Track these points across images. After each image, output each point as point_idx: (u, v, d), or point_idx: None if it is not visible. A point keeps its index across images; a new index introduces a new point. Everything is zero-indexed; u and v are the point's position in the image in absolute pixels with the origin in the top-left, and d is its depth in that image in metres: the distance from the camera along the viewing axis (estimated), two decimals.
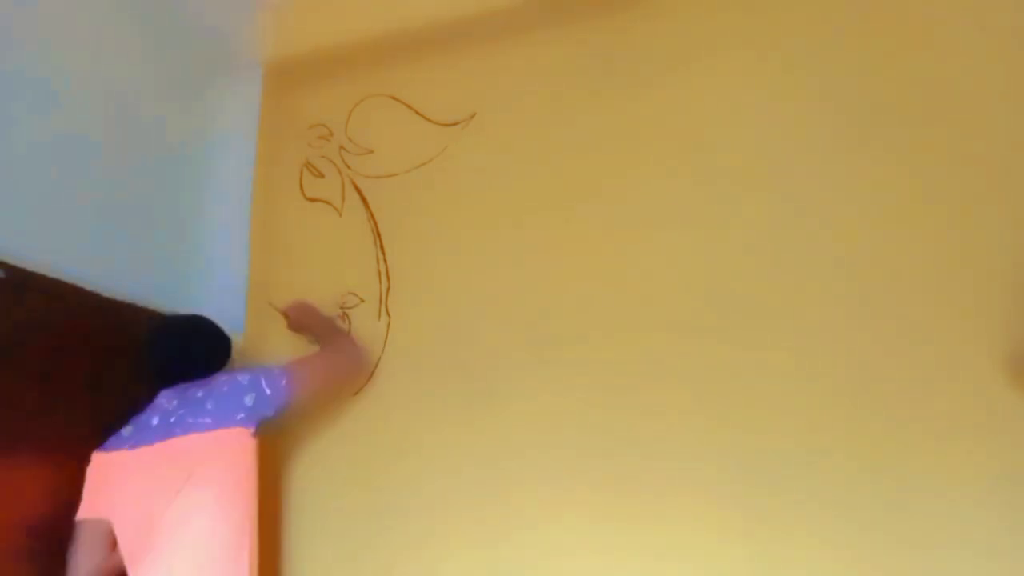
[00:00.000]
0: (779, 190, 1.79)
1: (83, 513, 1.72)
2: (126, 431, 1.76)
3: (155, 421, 1.73)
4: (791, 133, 1.81)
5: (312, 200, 2.26)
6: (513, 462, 1.85)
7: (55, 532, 1.74)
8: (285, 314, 2.09)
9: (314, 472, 2.00)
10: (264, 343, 2.16)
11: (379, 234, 2.15)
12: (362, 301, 2.12)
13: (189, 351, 1.85)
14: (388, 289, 2.10)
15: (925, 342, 1.62)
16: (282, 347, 2.15)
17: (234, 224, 2.28)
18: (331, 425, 2.02)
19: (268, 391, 1.72)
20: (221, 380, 1.77)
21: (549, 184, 2.00)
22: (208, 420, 1.67)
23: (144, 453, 1.69)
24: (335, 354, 1.94)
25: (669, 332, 1.80)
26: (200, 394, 1.74)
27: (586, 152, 1.98)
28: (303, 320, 2.07)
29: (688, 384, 1.75)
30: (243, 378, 1.75)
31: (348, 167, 2.24)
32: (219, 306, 2.17)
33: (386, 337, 2.06)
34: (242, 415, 1.68)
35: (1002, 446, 1.52)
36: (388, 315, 2.08)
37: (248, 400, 1.70)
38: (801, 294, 1.72)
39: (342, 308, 2.14)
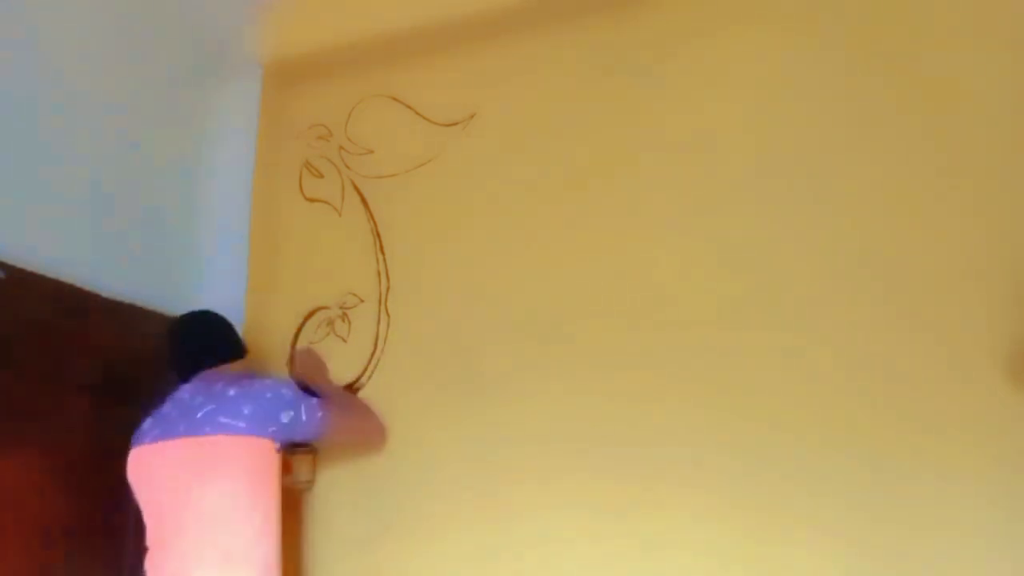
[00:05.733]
0: (782, 186, 1.79)
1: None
2: (146, 425, 1.76)
3: (175, 415, 1.73)
4: (795, 129, 1.81)
5: (312, 200, 2.26)
6: (512, 460, 1.86)
7: (55, 531, 1.74)
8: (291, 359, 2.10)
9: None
10: (263, 343, 2.16)
11: (379, 234, 2.15)
12: (362, 301, 2.12)
13: (202, 342, 1.87)
14: (388, 289, 2.10)
15: (925, 338, 1.62)
16: (280, 348, 2.16)
17: (234, 224, 2.28)
18: None
19: (304, 417, 1.73)
20: (262, 385, 1.75)
21: (549, 184, 2.00)
22: (242, 424, 1.66)
23: (168, 447, 1.69)
24: (368, 413, 1.95)
25: (669, 328, 1.80)
26: (232, 393, 1.71)
27: (586, 151, 1.98)
28: (308, 372, 2.04)
29: (688, 377, 1.76)
30: (286, 392, 1.75)
31: (348, 167, 2.24)
32: (218, 306, 2.17)
33: (386, 337, 2.07)
34: (274, 428, 1.69)
35: (1002, 440, 1.53)
36: (388, 315, 2.08)
37: (284, 418, 1.70)
38: (802, 288, 1.72)
39: (342, 308, 2.14)
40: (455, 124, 2.13)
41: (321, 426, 1.77)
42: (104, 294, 1.93)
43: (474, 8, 2.13)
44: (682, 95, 1.93)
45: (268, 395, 1.72)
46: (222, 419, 1.66)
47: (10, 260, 1.71)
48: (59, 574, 1.74)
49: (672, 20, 1.97)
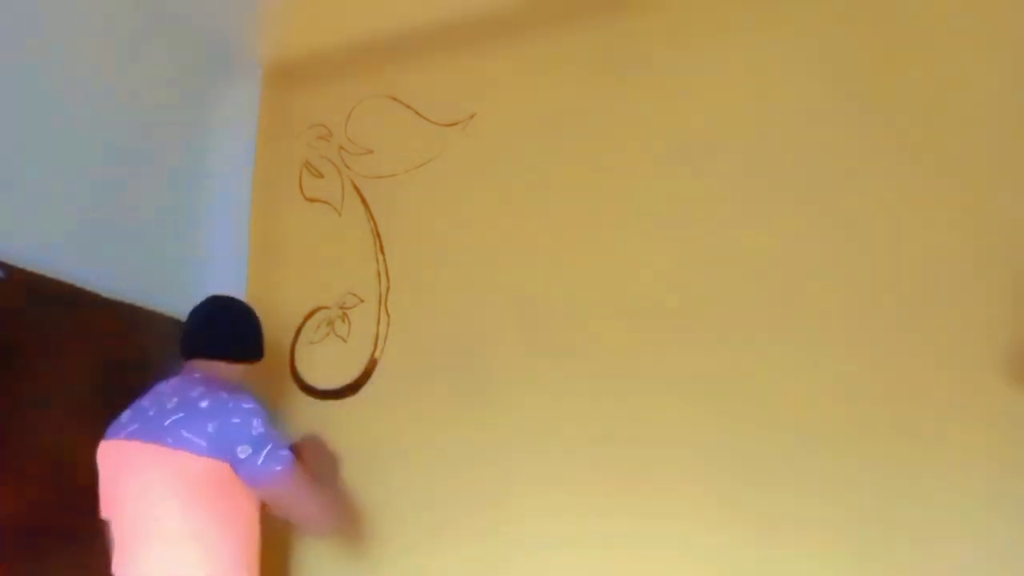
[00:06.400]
0: (782, 187, 1.79)
1: (102, 511, 1.69)
2: (125, 416, 1.71)
3: (151, 413, 1.66)
4: (794, 130, 1.81)
5: (312, 200, 2.26)
6: (512, 460, 1.86)
7: (53, 530, 1.74)
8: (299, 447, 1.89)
9: None
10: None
11: (379, 234, 2.15)
12: (362, 301, 2.12)
13: (211, 328, 1.82)
14: (388, 289, 2.10)
15: (926, 339, 1.62)
16: (280, 348, 2.16)
17: (234, 224, 2.28)
18: (330, 424, 2.02)
19: (260, 462, 1.57)
20: (235, 407, 1.62)
21: (548, 184, 2.00)
22: (203, 443, 1.57)
23: (138, 448, 1.63)
24: (334, 500, 1.79)
25: (670, 330, 1.80)
26: (204, 405, 1.62)
27: (585, 152, 1.98)
28: (315, 460, 1.87)
29: (688, 379, 1.76)
30: (256, 426, 1.60)
31: (348, 167, 2.24)
32: None
33: (386, 337, 2.07)
34: (230, 458, 1.58)
35: (1003, 441, 1.53)
36: (388, 315, 2.08)
37: (241, 453, 1.58)
38: (803, 290, 1.72)
39: (342, 308, 2.14)
40: (455, 124, 2.13)
41: (274, 479, 1.59)
42: (104, 294, 1.93)
43: (474, 9, 2.13)
44: (681, 96, 1.93)
45: (235, 420, 1.59)
46: (185, 433, 1.58)
47: (10, 260, 1.71)
48: (58, 572, 1.74)
49: (671, 22, 1.97)
